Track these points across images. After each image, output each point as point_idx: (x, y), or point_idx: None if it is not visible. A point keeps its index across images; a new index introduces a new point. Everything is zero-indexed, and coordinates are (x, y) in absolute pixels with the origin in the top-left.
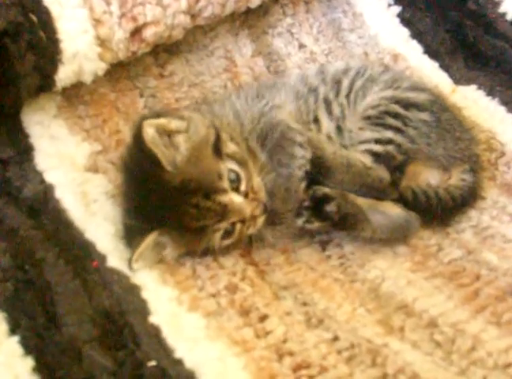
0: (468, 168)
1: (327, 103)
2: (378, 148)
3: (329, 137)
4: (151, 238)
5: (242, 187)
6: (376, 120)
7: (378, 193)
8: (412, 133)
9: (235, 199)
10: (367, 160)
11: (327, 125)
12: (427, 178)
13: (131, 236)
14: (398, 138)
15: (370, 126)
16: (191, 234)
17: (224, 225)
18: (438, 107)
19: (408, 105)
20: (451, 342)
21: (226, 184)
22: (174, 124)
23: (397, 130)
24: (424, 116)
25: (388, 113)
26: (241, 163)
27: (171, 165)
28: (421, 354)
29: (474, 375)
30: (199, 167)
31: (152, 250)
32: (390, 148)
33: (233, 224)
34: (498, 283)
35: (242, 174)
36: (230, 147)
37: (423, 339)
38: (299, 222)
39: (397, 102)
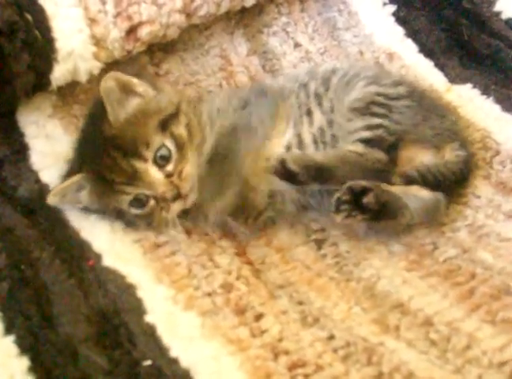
0: (459, 143)
1: (318, 97)
2: (367, 134)
3: (322, 130)
4: (75, 179)
5: (169, 167)
6: (363, 110)
7: (380, 174)
8: (397, 117)
9: (153, 172)
10: (359, 148)
11: (320, 117)
12: (422, 159)
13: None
14: (385, 122)
15: (358, 116)
16: (106, 187)
17: (132, 190)
18: (417, 95)
19: (390, 98)
20: (446, 340)
21: (149, 155)
22: (139, 87)
23: (384, 116)
24: (406, 102)
25: (373, 103)
26: (181, 147)
27: (113, 118)
28: (416, 353)
29: (469, 373)
30: (135, 130)
31: (73, 191)
32: (379, 131)
33: (147, 198)
34: (493, 281)
35: (175, 157)
36: (179, 129)
37: (419, 337)
38: (339, 218)
39: (380, 95)
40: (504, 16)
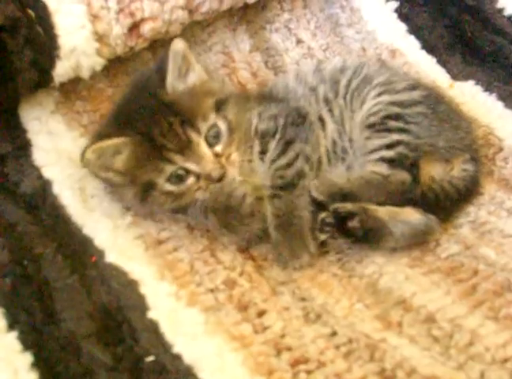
0: (469, 157)
1: (327, 103)
2: (389, 153)
3: (334, 142)
4: (116, 141)
5: (218, 148)
6: (380, 126)
7: (404, 194)
8: (415, 129)
9: (203, 148)
10: (383, 169)
11: (332, 127)
12: (430, 172)
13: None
14: (404, 137)
15: (376, 134)
16: (150, 153)
17: (179, 161)
18: (433, 101)
19: (404, 105)
20: (449, 337)
21: (204, 129)
22: (196, 66)
23: (401, 131)
24: (421, 109)
25: (389, 116)
26: (231, 132)
27: (171, 85)
28: (419, 349)
29: (472, 370)
30: (193, 103)
31: (110, 154)
32: (400, 148)
33: (187, 174)
34: (495, 278)
35: (225, 139)
36: (231, 114)
37: (421, 334)
38: (322, 237)
39: (394, 104)
40: (507, 12)
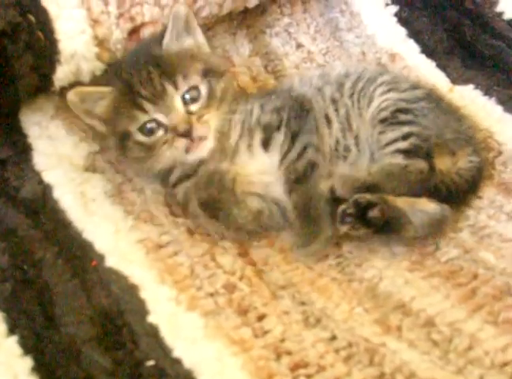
0: (472, 149)
1: (334, 102)
2: (404, 144)
3: (338, 141)
4: (100, 89)
5: (193, 107)
6: (391, 120)
7: (423, 183)
8: (424, 121)
9: (177, 101)
10: (400, 160)
11: (336, 126)
12: (439, 165)
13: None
14: (415, 129)
15: (389, 127)
16: (127, 102)
17: (150, 109)
18: (435, 97)
19: (411, 101)
20: (448, 341)
21: (182, 87)
22: (199, 35)
23: (411, 123)
24: (425, 104)
25: (399, 110)
26: (211, 98)
27: (166, 42)
28: (418, 354)
29: (471, 374)
30: (180, 62)
31: (93, 100)
32: (413, 139)
33: (157, 126)
34: (495, 282)
35: (202, 102)
36: (216, 85)
37: (421, 338)
38: (344, 229)
39: (402, 100)
40: (506, 16)
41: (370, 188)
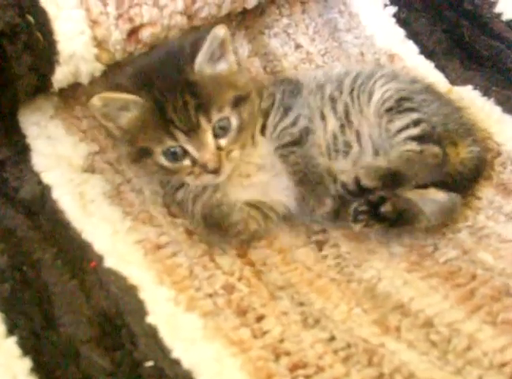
0: (472, 139)
1: (333, 102)
2: (414, 130)
3: (335, 136)
4: (130, 97)
5: (223, 142)
6: (397, 108)
7: (441, 167)
8: (427, 110)
9: (209, 137)
10: (414, 146)
11: (333, 122)
12: None
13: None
14: (422, 116)
15: (396, 116)
16: (157, 123)
17: (182, 140)
18: (433, 90)
19: (412, 92)
20: (447, 341)
21: (215, 120)
22: (231, 56)
23: (417, 110)
24: (425, 96)
25: (402, 98)
26: (240, 130)
27: (199, 65)
28: (417, 354)
29: (470, 374)
30: (214, 91)
31: (118, 107)
32: (423, 125)
33: (184, 155)
34: (493, 282)
35: (232, 136)
36: (245, 113)
37: (419, 338)
38: (357, 227)
39: (403, 89)
40: (505, 17)
41: (393, 176)
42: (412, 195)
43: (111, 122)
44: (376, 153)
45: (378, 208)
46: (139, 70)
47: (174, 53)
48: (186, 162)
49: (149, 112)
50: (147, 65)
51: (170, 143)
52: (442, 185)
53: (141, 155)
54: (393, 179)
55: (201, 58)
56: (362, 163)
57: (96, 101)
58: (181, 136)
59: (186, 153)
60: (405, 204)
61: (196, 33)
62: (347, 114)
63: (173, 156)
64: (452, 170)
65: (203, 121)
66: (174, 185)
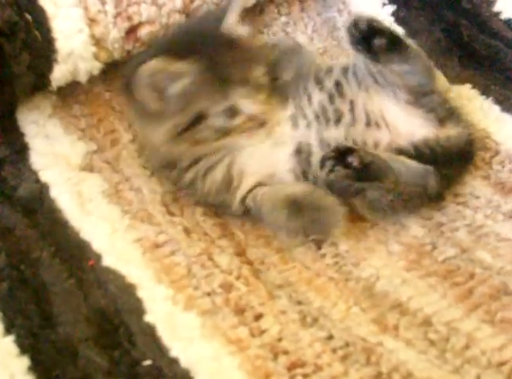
0: (456, 119)
1: (318, 82)
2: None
3: (323, 108)
4: (182, 63)
5: (261, 97)
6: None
7: None
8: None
9: (263, 91)
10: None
11: (318, 97)
12: (423, 133)
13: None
14: None
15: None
16: (209, 85)
17: (237, 94)
18: None
19: None
20: (445, 340)
21: (259, 74)
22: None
23: None
24: None
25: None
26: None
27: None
28: (415, 353)
29: (468, 373)
30: (254, 47)
31: (169, 77)
32: None
33: (238, 112)
34: (492, 281)
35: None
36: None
37: (418, 337)
38: (323, 174)
39: None
40: (504, 16)
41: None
42: (383, 154)
43: (156, 93)
44: (368, 124)
45: (346, 157)
46: (180, 37)
47: (209, 17)
48: (241, 118)
49: (202, 75)
50: (186, 31)
51: (225, 102)
52: (417, 157)
53: (194, 122)
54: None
55: (230, 19)
56: (355, 131)
57: (146, 70)
58: (234, 93)
59: (238, 110)
60: (373, 158)
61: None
62: (337, 86)
63: (227, 115)
64: (435, 145)
65: (251, 75)
66: (182, 166)
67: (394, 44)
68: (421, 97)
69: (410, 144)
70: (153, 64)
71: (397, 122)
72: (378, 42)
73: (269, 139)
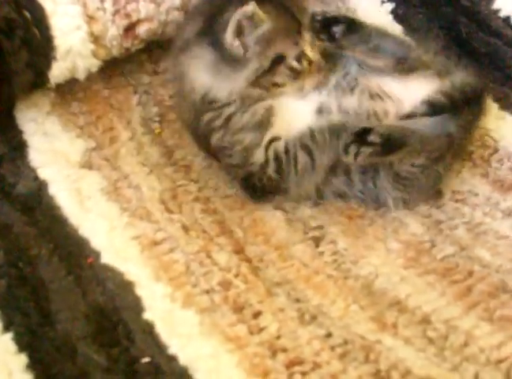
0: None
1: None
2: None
3: (338, 83)
4: (265, 9)
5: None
6: None
7: None
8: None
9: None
10: None
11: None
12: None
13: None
14: None
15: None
16: (288, 29)
17: (307, 38)
18: None
19: None
20: (444, 338)
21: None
22: None
23: None
24: None
25: None
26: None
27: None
28: (414, 351)
29: (466, 371)
30: None
31: (252, 24)
32: None
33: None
34: (490, 279)
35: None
36: None
37: (416, 335)
38: (349, 159)
39: None
40: (503, 14)
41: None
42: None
43: (241, 36)
44: (372, 97)
45: (365, 138)
46: None
47: None
48: (304, 63)
49: (281, 18)
50: None
51: (300, 45)
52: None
53: (274, 63)
54: None
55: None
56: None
57: (244, 13)
58: (307, 37)
59: (304, 55)
60: (389, 128)
61: None
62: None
63: (300, 58)
64: (450, 90)
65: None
66: (212, 121)
67: (352, 27)
68: (406, 63)
69: (421, 104)
70: (251, 7)
71: (394, 93)
72: (337, 29)
73: (300, 92)
